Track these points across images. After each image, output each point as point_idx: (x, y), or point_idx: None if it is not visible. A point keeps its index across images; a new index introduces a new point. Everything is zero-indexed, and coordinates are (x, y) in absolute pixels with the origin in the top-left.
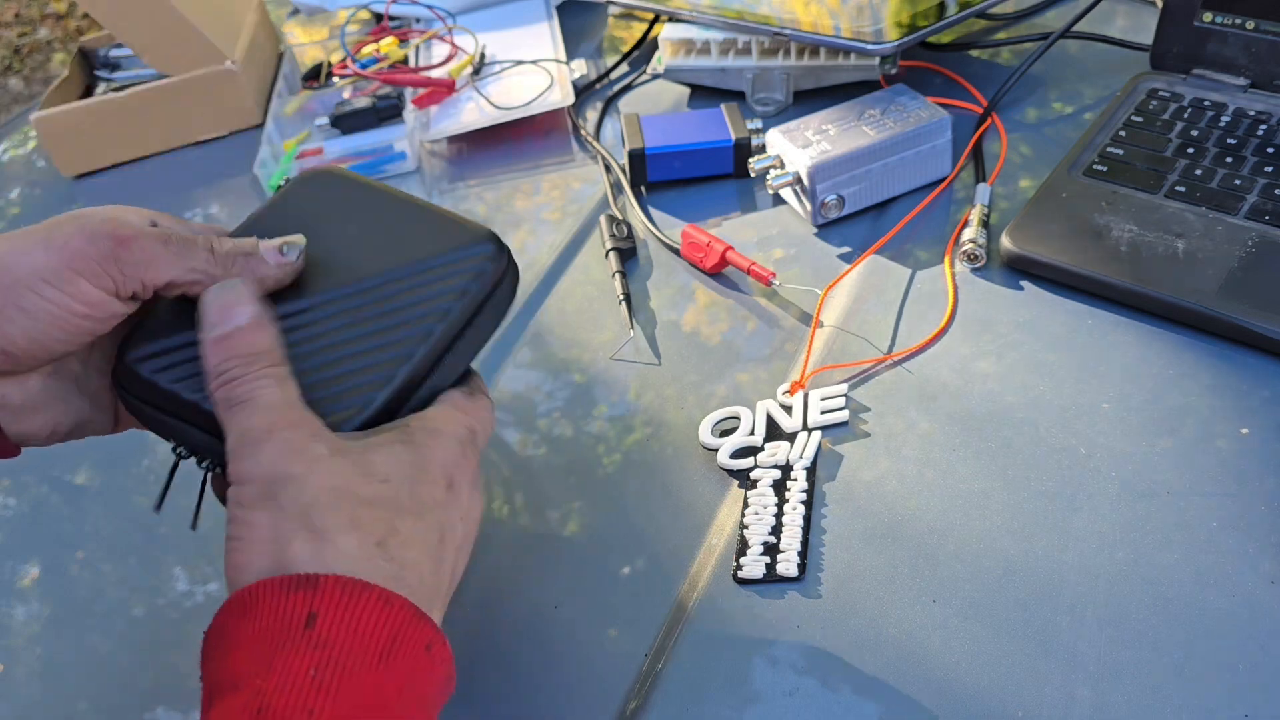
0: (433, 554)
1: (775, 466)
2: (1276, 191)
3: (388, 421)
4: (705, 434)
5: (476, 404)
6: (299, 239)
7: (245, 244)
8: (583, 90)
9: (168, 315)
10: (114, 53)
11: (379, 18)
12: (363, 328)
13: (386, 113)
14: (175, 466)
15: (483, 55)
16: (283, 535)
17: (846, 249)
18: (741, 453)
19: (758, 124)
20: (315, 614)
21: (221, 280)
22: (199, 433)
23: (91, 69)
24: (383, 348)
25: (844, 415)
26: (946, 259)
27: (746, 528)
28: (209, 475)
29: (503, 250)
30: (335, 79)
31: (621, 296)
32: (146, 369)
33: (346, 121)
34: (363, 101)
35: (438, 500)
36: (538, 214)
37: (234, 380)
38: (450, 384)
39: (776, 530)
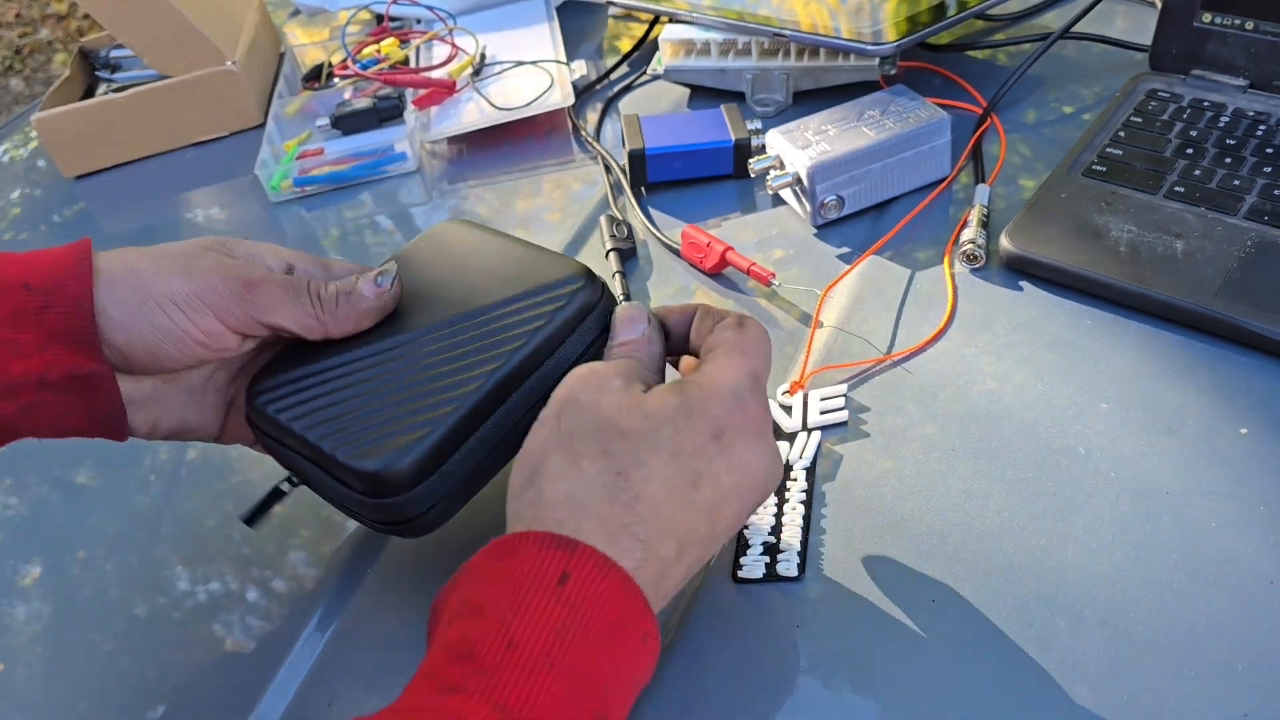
0: (679, 495)
1: None
2: (1275, 192)
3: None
4: None
5: (751, 339)
6: (391, 266)
7: (346, 284)
8: (583, 91)
9: (290, 356)
10: (115, 53)
11: (380, 18)
12: (450, 355)
13: (387, 113)
14: (277, 491)
15: (483, 56)
16: (548, 449)
17: (846, 249)
18: None
19: (757, 124)
20: (569, 574)
21: (327, 324)
22: (305, 462)
23: (92, 69)
24: (457, 376)
25: (843, 415)
26: (946, 259)
27: (746, 527)
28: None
29: (594, 282)
30: (336, 79)
31: (622, 297)
32: (265, 402)
33: (347, 122)
34: (363, 102)
35: (698, 447)
36: (538, 215)
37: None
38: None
39: (776, 530)
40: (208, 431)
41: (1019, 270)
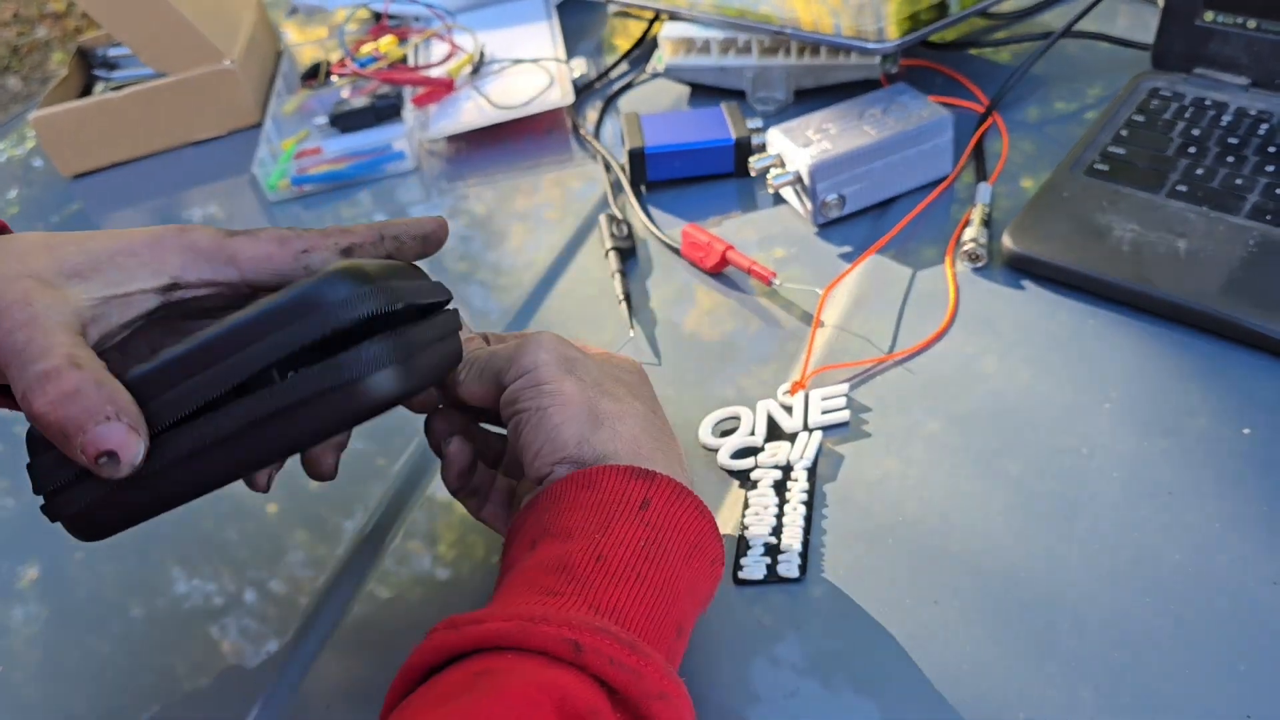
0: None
1: (776, 467)
2: (1278, 191)
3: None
4: (705, 434)
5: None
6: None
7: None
8: (582, 89)
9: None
10: (112, 52)
11: (378, 16)
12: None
13: (385, 112)
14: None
15: (482, 54)
16: (590, 396)
17: (847, 248)
18: (742, 453)
19: (758, 123)
20: (649, 500)
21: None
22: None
23: (90, 68)
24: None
25: (845, 415)
26: (948, 258)
27: (747, 528)
28: None
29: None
30: (334, 78)
31: (621, 296)
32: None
33: (345, 121)
34: (361, 101)
35: (653, 408)
36: (537, 213)
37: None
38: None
39: (777, 531)
40: None
41: (1021, 269)
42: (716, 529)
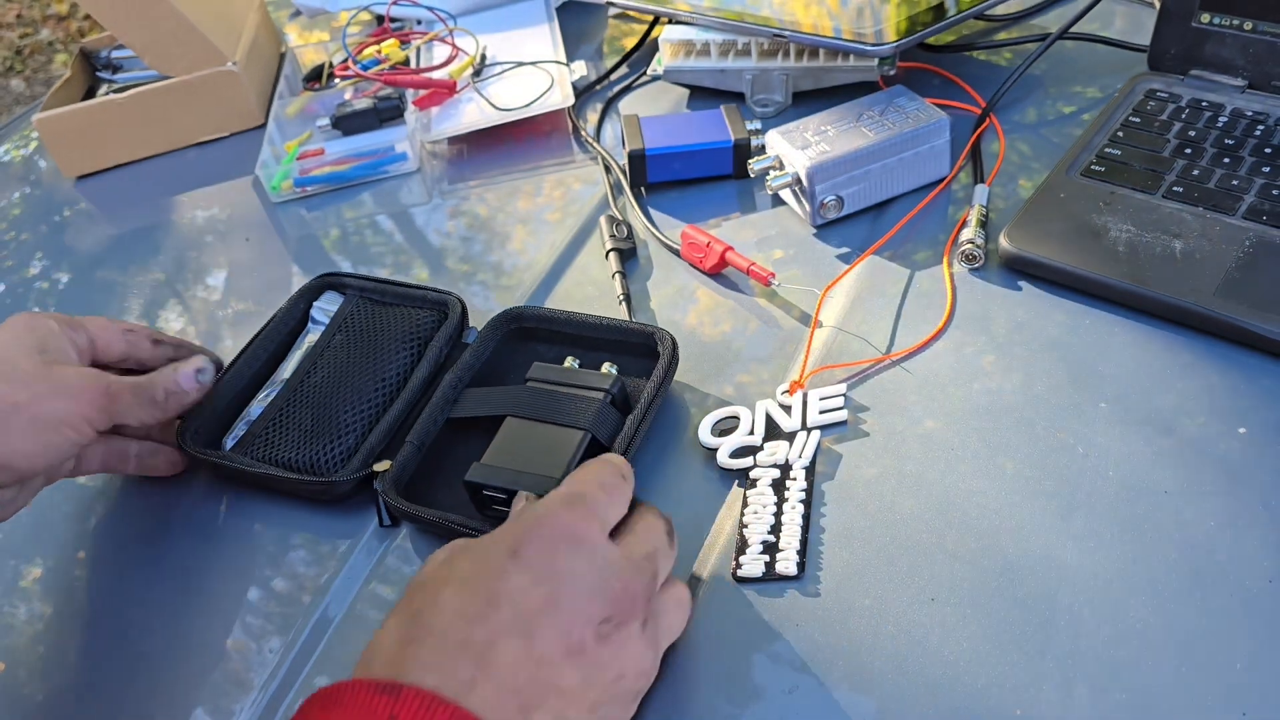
0: (473, 615)
1: (774, 466)
2: (1274, 192)
3: None
4: (705, 434)
5: (590, 469)
6: (204, 363)
7: (170, 384)
8: (583, 91)
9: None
10: (115, 54)
11: (380, 19)
12: None
13: (388, 114)
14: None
15: (483, 56)
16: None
17: (845, 249)
18: (741, 452)
19: (757, 125)
20: (395, 718)
21: (159, 420)
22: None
23: (93, 70)
24: None
25: (843, 415)
26: (945, 259)
27: (746, 527)
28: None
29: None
30: (336, 80)
31: (621, 297)
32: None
33: (348, 122)
34: (364, 103)
35: (495, 568)
36: (538, 214)
37: None
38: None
39: (776, 529)
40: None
41: (1018, 270)
42: None
